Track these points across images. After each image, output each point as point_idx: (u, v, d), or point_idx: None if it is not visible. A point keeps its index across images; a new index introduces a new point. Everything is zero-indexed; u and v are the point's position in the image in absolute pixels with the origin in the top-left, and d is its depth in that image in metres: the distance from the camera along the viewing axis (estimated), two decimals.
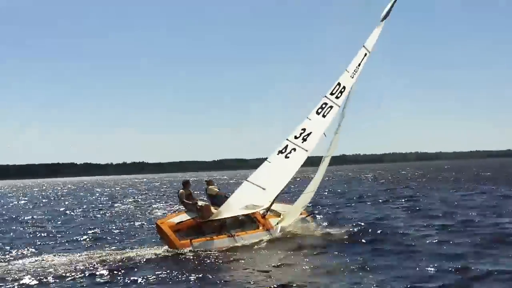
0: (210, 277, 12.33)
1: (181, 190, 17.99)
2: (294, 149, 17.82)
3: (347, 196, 36.02)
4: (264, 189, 17.50)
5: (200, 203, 17.40)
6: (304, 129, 17.91)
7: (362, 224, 19.66)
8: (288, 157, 17.79)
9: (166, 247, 16.21)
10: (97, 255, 15.83)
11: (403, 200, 30.58)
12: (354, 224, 19.56)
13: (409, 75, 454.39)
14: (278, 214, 18.37)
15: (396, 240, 16.26)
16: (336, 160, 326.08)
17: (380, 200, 30.96)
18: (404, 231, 17.72)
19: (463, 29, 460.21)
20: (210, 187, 18.59)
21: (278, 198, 18.46)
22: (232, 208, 17.06)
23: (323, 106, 18.04)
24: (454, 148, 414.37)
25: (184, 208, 17.66)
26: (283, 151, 17.81)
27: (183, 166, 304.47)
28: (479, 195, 31.17)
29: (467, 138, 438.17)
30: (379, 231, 17.71)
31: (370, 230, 17.93)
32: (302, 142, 17.88)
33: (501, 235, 16.12)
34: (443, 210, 23.83)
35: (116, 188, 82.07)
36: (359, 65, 18.25)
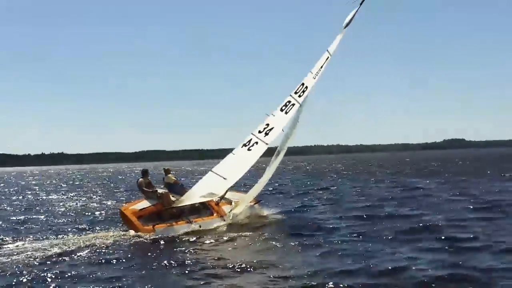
0: (173, 261, 13.11)
1: (140, 179, 18.81)
2: (257, 143, 19.01)
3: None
4: (225, 179, 18.62)
5: (160, 190, 18.39)
6: (268, 124, 19.11)
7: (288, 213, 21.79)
8: (250, 150, 18.97)
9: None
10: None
11: (320, 191, 32.48)
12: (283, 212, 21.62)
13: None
14: (229, 202, 19.43)
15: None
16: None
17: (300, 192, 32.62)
18: (320, 220, 19.42)
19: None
20: (168, 175, 19.46)
21: (231, 187, 19.48)
22: (194, 195, 18.15)
23: (287, 104, 19.35)
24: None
25: (143, 196, 18.44)
26: (247, 144, 18.98)
27: (103, 157, 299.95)
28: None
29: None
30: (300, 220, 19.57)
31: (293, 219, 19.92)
32: (264, 136, 19.06)
33: (404, 224, 17.44)
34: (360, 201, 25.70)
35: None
36: (321, 67, 19.73)
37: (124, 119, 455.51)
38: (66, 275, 12.00)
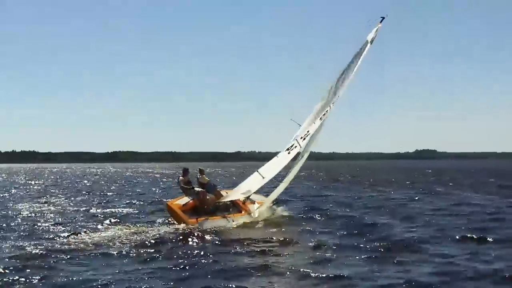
0: (218, 248, 15.19)
1: (180, 177, 20.51)
2: (296, 146, 20.72)
3: None
4: (263, 177, 20.47)
5: (197, 188, 20.13)
6: (308, 131, 20.81)
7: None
8: (289, 153, 20.76)
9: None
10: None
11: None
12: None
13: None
14: (253, 202, 21.09)
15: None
16: (230, 157, 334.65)
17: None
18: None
19: None
20: (202, 176, 21.06)
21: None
22: (237, 192, 20.35)
23: (325, 113, 20.91)
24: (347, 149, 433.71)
25: (183, 193, 20.31)
26: (289, 148, 20.73)
27: (75, 156, 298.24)
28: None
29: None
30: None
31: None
32: (302, 141, 20.77)
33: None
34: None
35: None
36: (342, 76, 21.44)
37: (97, 119, 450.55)
38: (133, 255, 13.94)
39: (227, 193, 20.99)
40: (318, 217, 21.26)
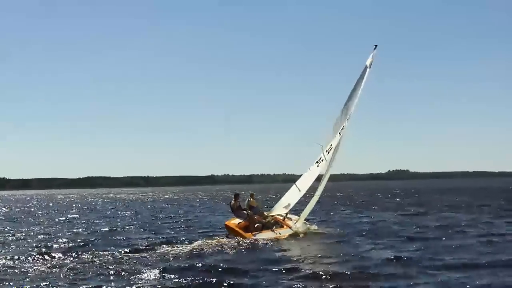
0: (271, 254, 18.35)
1: (233, 201, 24.09)
2: (322, 160, 23.48)
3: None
4: (299, 190, 23.37)
5: (244, 212, 23.61)
6: (331, 145, 23.51)
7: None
8: (318, 166, 23.55)
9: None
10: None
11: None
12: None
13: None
14: (290, 219, 24.06)
15: None
16: (205, 180, 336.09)
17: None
18: None
19: None
20: (252, 199, 24.07)
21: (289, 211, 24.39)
22: (280, 206, 23.82)
23: (343, 128, 23.45)
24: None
25: (234, 214, 23.99)
26: (318, 161, 23.47)
27: (49, 182, 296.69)
28: None
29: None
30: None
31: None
32: (327, 154, 23.51)
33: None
34: None
35: None
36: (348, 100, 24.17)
37: (67, 143, 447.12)
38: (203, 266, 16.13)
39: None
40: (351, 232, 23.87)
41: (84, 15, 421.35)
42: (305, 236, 22.72)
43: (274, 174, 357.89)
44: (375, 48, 24.44)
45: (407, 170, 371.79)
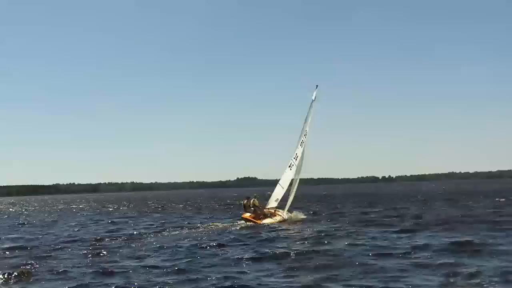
0: (274, 234, 27.62)
1: (245, 201, 35.22)
2: (293, 165, 35.39)
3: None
4: (283, 187, 35.37)
5: (252, 208, 34.68)
6: (296, 153, 35.40)
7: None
8: (291, 169, 35.46)
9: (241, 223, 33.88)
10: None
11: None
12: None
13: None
14: (279, 210, 35.36)
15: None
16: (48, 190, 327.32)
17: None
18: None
19: None
20: (255, 200, 34.92)
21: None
22: (272, 200, 35.35)
23: (302, 142, 35.42)
24: (168, 179, 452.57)
25: (244, 211, 34.90)
26: (290, 165, 35.26)
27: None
28: None
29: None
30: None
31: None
32: (295, 160, 35.46)
33: None
34: None
35: None
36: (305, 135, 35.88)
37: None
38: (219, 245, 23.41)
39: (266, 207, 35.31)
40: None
41: None
42: (290, 220, 34.30)
43: (121, 182, 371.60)
44: (316, 87, 36.03)
45: (255, 177, 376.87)
